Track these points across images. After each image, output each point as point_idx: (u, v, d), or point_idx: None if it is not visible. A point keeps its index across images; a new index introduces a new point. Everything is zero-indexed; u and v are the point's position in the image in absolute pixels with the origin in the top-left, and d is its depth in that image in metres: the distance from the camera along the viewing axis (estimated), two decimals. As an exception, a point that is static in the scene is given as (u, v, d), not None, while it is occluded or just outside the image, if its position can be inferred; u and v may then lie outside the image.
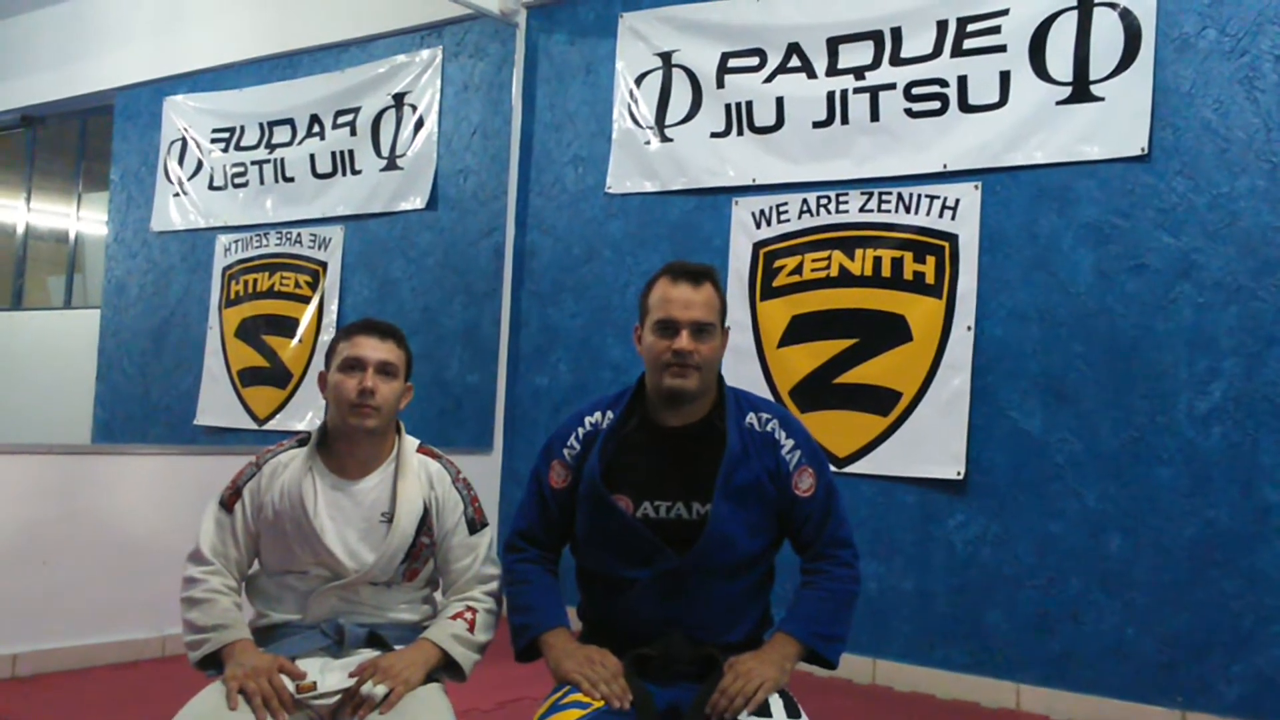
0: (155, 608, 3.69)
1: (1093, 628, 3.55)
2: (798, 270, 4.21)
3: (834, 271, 4.12)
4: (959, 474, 3.79)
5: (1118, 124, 3.61)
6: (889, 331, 3.98)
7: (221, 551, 2.45)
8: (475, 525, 2.54)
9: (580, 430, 2.52)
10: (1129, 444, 3.53)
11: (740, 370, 4.23)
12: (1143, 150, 3.56)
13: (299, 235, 5.75)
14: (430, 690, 2.36)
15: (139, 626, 3.58)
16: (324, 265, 5.62)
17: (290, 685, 2.28)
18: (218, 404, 5.99)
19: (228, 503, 2.47)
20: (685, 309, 2.35)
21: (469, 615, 2.47)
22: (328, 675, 2.35)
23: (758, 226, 4.32)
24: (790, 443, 2.43)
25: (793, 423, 2.50)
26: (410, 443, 2.57)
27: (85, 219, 8.11)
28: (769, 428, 2.44)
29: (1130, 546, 3.51)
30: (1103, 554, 3.55)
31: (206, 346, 6.10)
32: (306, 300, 5.68)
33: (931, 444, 3.85)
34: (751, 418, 2.45)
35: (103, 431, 6.46)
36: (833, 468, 3.88)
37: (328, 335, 5.53)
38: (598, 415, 2.52)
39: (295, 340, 5.70)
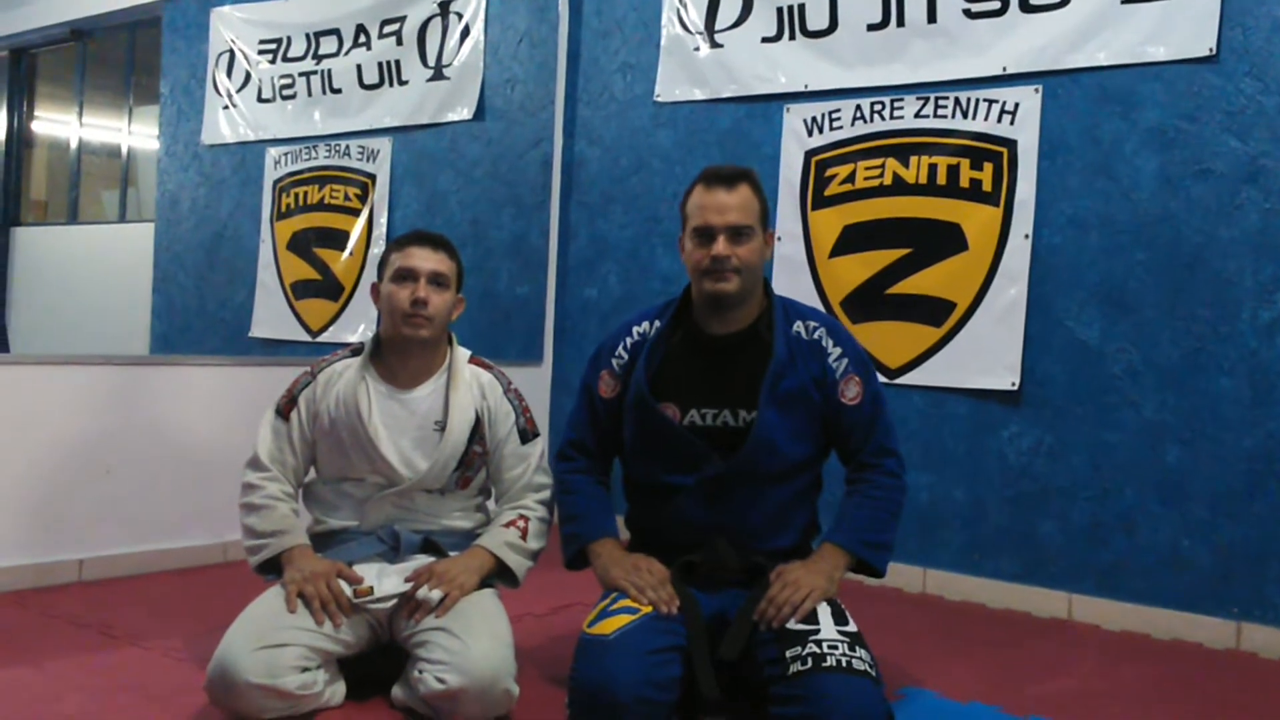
0: (215, 515, 3.77)
1: (1147, 539, 3.52)
2: (850, 179, 4.13)
3: (887, 180, 4.05)
4: (1013, 385, 3.74)
5: (1184, 23, 3.47)
6: (944, 241, 3.91)
7: (279, 458, 2.52)
8: (527, 435, 2.59)
9: (628, 340, 2.55)
10: (1189, 354, 3.46)
11: (791, 281, 4.19)
12: (1210, 51, 3.44)
13: (347, 147, 5.73)
14: (484, 595, 2.40)
15: (199, 533, 3.65)
16: (373, 178, 5.61)
17: (348, 589, 2.32)
18: (272, 316, 6.04)
19: (284, 410, 2.53)
20: (720, 213, 2.37)
21: (521, 523, 2.52)
22: (384, 580, 2.39)
23: (809, 134, 4.24)
24: (837, 350, 2.45)
25: (840, 331, 2.51)
26: (462, 354, 2.60)
27: (136, 133, 8.15)
28: (816, 335, 2.46)
29: (1188, 457, 3.46)
30: (1159, 465, 3.51)
31: (259, 259, 6.14)
32: (356, 213, 5.68)
33: (986, 355, 3.80)
34: (799, 326, 2.47)
35: (160, 343, 6.56)
36: (883, 379, 3.87)
37: (378, 248, 5.54)
38: (645, 325, 2.55)
39: (346, 253, 5.72)
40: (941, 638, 3.29)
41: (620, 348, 2.56)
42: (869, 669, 2.20)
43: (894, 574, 2.48)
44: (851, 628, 2.29)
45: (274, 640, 2.21)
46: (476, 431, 2.54)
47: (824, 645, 2.21)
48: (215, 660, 2.20)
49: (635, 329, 2.57)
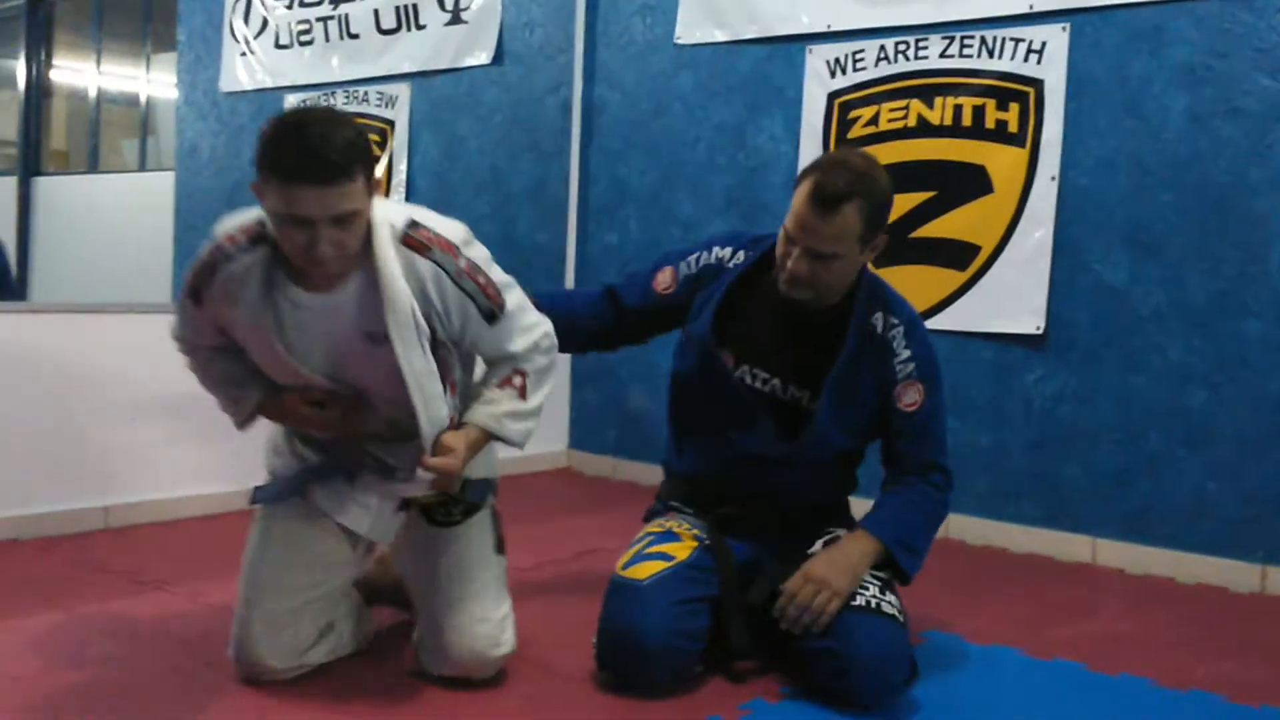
0: (239, 462, 3.78)
1: (1172, 483, 3.50)
2: (874, 121, 4.08)
3: (911, 121, 3.99)
4: (1039, 329, 3.71)
5: (1217, -43, 3.40)
6: (969, 183, 3.86)
7: (194, 342, 2.21)
8: (494, 315, 2.11)
9: (705, 256, 2.45)
10: (1217, 296, 3.42)
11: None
12: (1243, -15, 3.37)
13: (366, 94, 5.70)
14: (477, 559, 2.27)
15: (223, 480, 3.67)
16: (391, 124, 5.57)
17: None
18: (292, 265, 6.03)
19: (194, 297, 2.09)
20: (808, 236, 2.19)
21: (517, 380, 2.17)
22: (383, 517, 2.24)
23: (832, 76, 4.18)
24: (906, 353, 2.32)
25: (918, 331, 2.37)
26: (384, 236, 2.00)
27: (155, 81, 8.13)
28: (891, 335, 2.32)
29: (1215, 401, 3.43)
30: (1186, 409, 3.48)
31: (279, 208, 6.12)
32: (375, 160, 5.65)
33: (1011, 298, 3.77)
34: (878, 318, 2.33)
35: (182, 292, 6.55)
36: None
37: (398, 195, 5.52)
38: (727, 251, 2.43)
39: (366, 200, 5.69)
40: (964, 582, 3.29)
41: (694, 258, 2.46)
42: (897, 614, 2.21)
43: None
44: (883, 573, 2.30)
45: (287, 614, 2.17)
46: (430, 333, 2.06)
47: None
48: (235, 648, 2.19)
49: (717, 250, 2.45)
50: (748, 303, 2.36)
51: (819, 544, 2.37)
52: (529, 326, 2.19)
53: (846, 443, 2.41)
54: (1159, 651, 2.72)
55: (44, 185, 8.51)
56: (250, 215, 2.03)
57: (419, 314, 2.01)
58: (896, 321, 2.33)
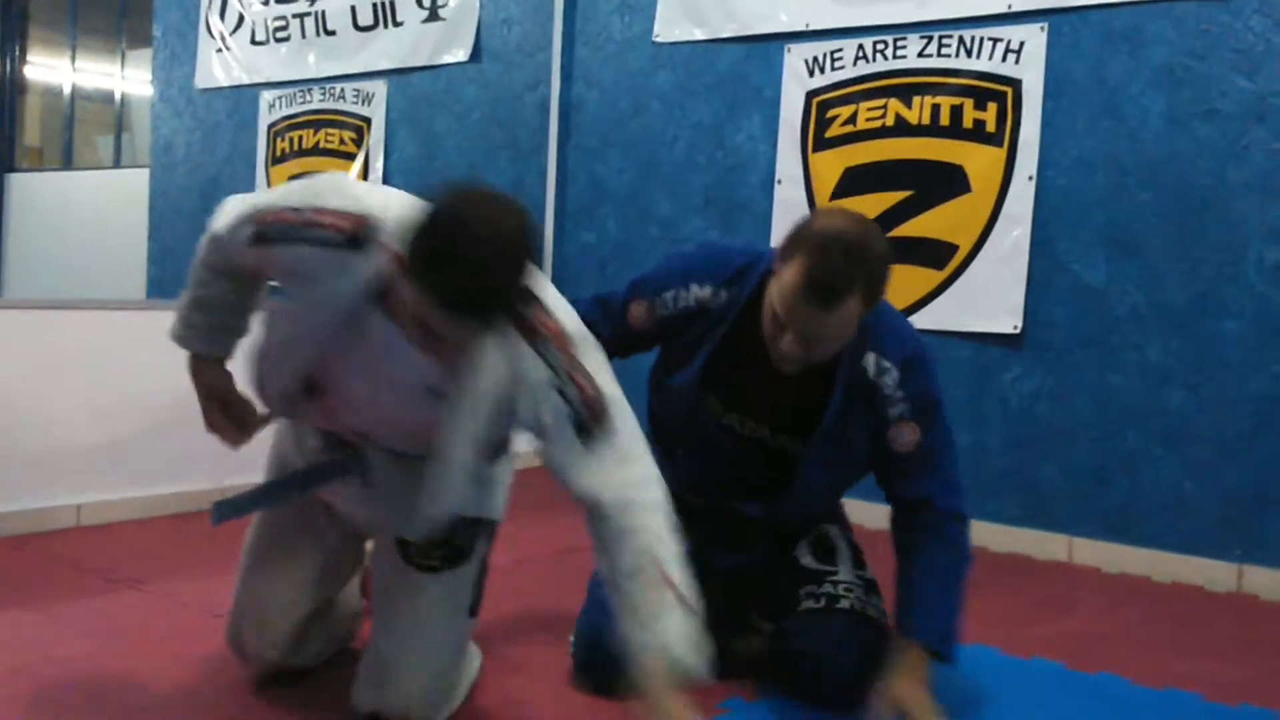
0: (214, 459, 3.74)
1: (1150, 482, 3.51)
2: (852, 120, 4.08)
3: (890, 121, 3.99)
4: (1016, 328, 3.72)
5: (1194, -42, 3.41)
6: (946, 182, 3.86)
7: (229, 259, 1.96)
8: (588, 428, 1.72)
9: (682, 296, 2.18)
10: (1195, 297, 3.43)
11: (792, 225, 4.14)
12: (1220, -14, 3.38)
13: (342, 90, 5.66)
14: (445, 597, 2.03)
15: (198, 478, 3.63)
16: (368, 121, 5.54)
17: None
18: (268, 263, 5.99)
19: (254, 236, 1.84)
20: (806, 328, 1.95)
21: (653, 570, 1.71)
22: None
23: (810, 75, 4.18)
24: (899, 394, 2.10)
25: (916, 369, 2.12)
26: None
27: (130, 78, 8.07)
28: (883, 380, 2.10)
29: (1192, 401, 3.44)
30: (1163, 408, 3.48)
31: (255, 205, 6.08)
32: (351, 157, 5.62)
33: (988, 298, 3.77)
34: (869, 361, 2.09)
35: (157, 288, 6.52)
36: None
37: (375, 192, 5.48)
38: (707, 292, 2.16)
39: (342, 198, 5.65)
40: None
41: (670, 296, 2.19)
42: (880, 617, 2.20)
43: (858, 511, 2.45)
44: (869, 574, 2.29)
45: (284, 613, 2.10)
46: (504, 418, 1.78)
47: (840, 587, 2.22)
48: (236, 650, 2.15)
49: (695, 289, 2.16)
50: (732, 346, 2.15)
51: (804, 544, 2.33)
52: (637, 477, 1.77)
53: (836, 486, 2.31)
54: (1137, 649, 2.72)
55: (18, 182, 8.44)
56: (354, 200, 1.75)
57: (498, 411, 1.73)
58: (889, 365, 2.10)
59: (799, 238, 1.96)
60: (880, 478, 2.22)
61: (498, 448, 1.88)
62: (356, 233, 1.70)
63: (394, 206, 1.70)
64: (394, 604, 2.01)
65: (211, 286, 1.99)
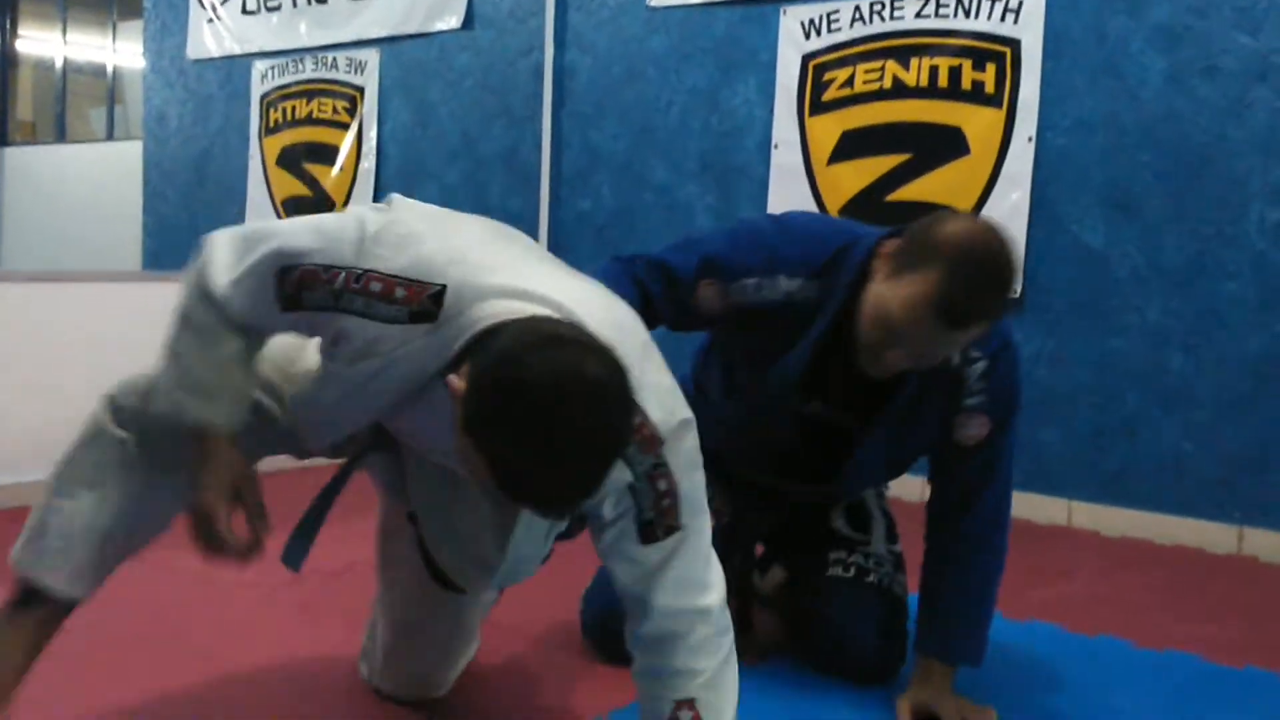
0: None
1: (1149, 445, 3.49)
2: (849, 83, 4.04)
3: (887, 83, 3.95)
4: (1015, 291, 3.69)
5: (1195, -86, 3.36)
6: (945, 145, 3.82)
7: (244, 319, 1.51)
8: (651, 532, 1.48)
9: (767, 288, 1.93)
10: (1195, 257, 3.40)
11: (789, 190, 4.12)
12: (1221, -58, 3.33)
13: (334, 59, 5.61)
14: (482, 602, 1.96)
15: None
16: (361, 90, 5.49)
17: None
18: (263, 234, 5.96)
19: (282, 297, 1.45)
20: (924, 344, 1.78)
21: (687, 717, 1.51)
22: None
23: (806, 37, 4.13)
24: (979, 386, 1.93)
25: (1001, 366, 1.95)
26: None
27: (121, 50, 8.01)
28: (969, 370, 1.93)
29: (1192, 363, 3.42)
30: (1163, 370, 3.46)
31: (249, 176, 6.04)
32: (345, 127, 5.58)
33: (987, 261, 3.74)
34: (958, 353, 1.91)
35: (152, 260, 6.50)
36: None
37: (368, 163, 5.45)
38: (798, 285, 1.92)
39: (336, 168, 5.62)
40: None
41: (752, 285, 1.93)
42: (903, 595, 2.20)
43: (898, 485, 2.42)
44: (898, 548, 2.27)
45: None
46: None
47: (871, 560, 2.20)
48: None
49: (784, 281, 1.91)
50: (823, 339, 1.95)
51: (839, 507, 2.28)
52: (696, 581, 1.51)
53: (887, 472, 2.20)
54: (1136, 612, 2.71)
55: (11, 156, 8.40)
56: (422, 268, 1.38)
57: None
58: (978, 355, 1.92)
59: (930, 246, 1.73)
60: (933, 465, 2.07)
61: (566, 531, 1.69)
62: (427, 308, 1.36)
63: (468, 263, 1.39)
64: (412, 606, 1.90)
65: (219, 343, 1.51)
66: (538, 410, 1.17)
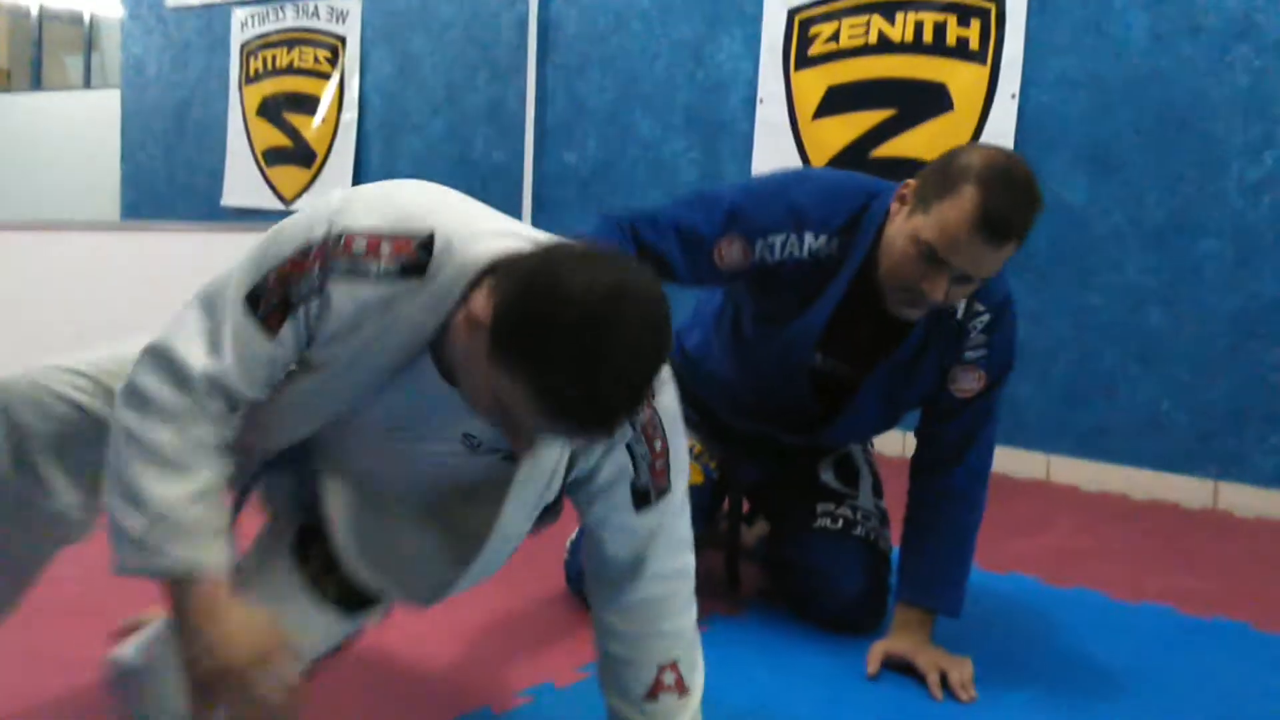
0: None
1: (1127, 400, 3.53)
2: (834, 38, 4.03)
3: (872, 38, 3.94)
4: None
5: None
6: (929, 101, 3.82)
7: (231, 383, 1.29)
8: (646, 498, 1.44)
9: (792, 244, 1.95)
10: (1174, 214, 3.43)
11: (773, 145, 4.11)
12: (1207, -101, 3.33)
13: (315, 8, 5.55)
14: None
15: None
16: (343, 40, 5.44)
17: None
18: (244, 184, 5.93)
19: (268, 317, 1.28)
20: (968, 265, 1.80)
21: (669, 678, 1.50)
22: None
23: (793, -9, 4.12)
24: (980, 339, 1.99)
25: (1005, 319, 2.02)
26: None
27: (98, -4, 7.90)
28: (972, 323, 1.98)
29: (1170, 319, 3.45)
30: (1141, 327, 3.50)
31: (229, 125, 5.99)
32: (326, 77, 5.53)
33: (969, 217, 3.76)
34: (962, 301, 1.96)
35: (131, 211, 6.44)
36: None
37: (350, 113, 5.41)
38: (822, 242, 1.94)
39: (318, 119, 5.58)
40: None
41: (778, 242, 1.95)
42: (888, 551, 2.23)
43: (881, 441, 2.46)
44: (884, 504, 2.31)
45: None
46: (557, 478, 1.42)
47: (858, 514, 2.24)
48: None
49: (808, 238, 1.94)
50: (845, 296, 1.98)
51: (828, 460, 2.32)
52: (684, 540, 1.51)
53: (883, 420, 2.22)
54: (1112, 565, 2.76)
55: (-14, 104, 8.30)
56: (402, 220, 1.27)
57: (560, 468, 1.39)
58: (983, 309, 1.98)
59: (958, 170, 1.78)
60: (923, 418, 2.11)
61: (549, 509, 1.48)
62: (410, 257, 1.25)
63: (451, 207, 1.32)
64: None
65: (194, 466, 1.28)
66: (590, 314, 1.10)
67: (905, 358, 2.00)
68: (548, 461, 1.36)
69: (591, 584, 1.54)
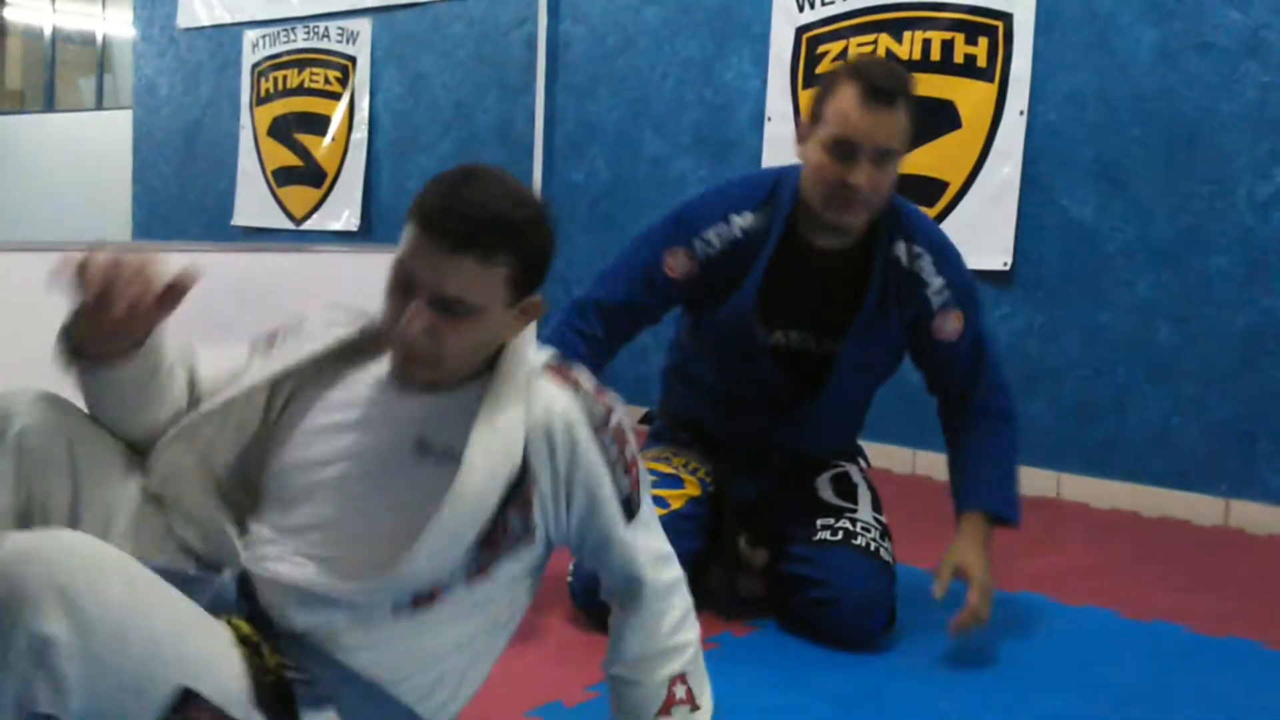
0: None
1: (1137, 417, 3.52)
2: (842, 56, 4.03)
3: (880, 56, 3.95)
4: (1006, 265, 3.71)
5: (1188, -112, 3.36)
6: (937, 118, 3.82)
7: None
8: (631, 508, 1.45)
9: (724, 229, 2.17)
10: (1184, 231, 3.42)
11: (781, 163, 4.09)
12: (1214, -83, 3.34)
13: (326, 29, 5.59)
14: None
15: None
16: (353, 60, 5.48)
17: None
18: (254, 204, 5.96)
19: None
20: (871, 136, 1.98)
21: (680, 692, 1.48)
22: None
23: (800, 10, 4.13)
24: (938, 281, 2.16)
25: (948, 255, 2.19)
26: (524, 358, 1.43)
27: (111, 18, 7.96)
28: (918, 266, 2.15)
29: (1180, 336, 3.44)
30: (1152, 344, 3.49)
31: (240, 146, 6.03)
32: (337, 97, 5.56)
33: (978, 234, 3.75)
34: (900, 249, 2.15)
35: (142, 231, 6.49)
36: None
37: (360, 133, 5.44)
38: (747, 219, 2.16)
39: (328, 139, 5.61)
40: (930, 518, 3.29)
41: (712, 233, 2.16)
42: (890, 561, 2.22)
43: (884, 455, 2.46)
44: (884, 519, 2.31)
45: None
46: (519, 488, 1.36)
47: (858, 525, 2.24)
48: None
49: (735, 219, 2.16)
50: (774, 267, 2.16)
51: (825, 478, 2.35)
52: (667, 554, 1.52)
53: (866, 387, 2.34)
54: (1124, 583, 2.75)
55: (0, 125, 8.35)
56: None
57: (521, 448, 1.35)
58: (921, 250, 2.15)
59: (828, 78, 2.06)
60: (928, 373, 2.27)
61: (511, 538, 1.38)
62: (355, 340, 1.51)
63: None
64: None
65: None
66: (454, 170, 1.37)
67: (872, 313, 2.13)
68: (504, 452, 1.33)
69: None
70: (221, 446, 1.45)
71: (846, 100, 1.99)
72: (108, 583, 1.12)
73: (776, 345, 2.21)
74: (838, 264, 2.17)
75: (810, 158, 2.06)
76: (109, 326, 1.32)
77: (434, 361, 1.37)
